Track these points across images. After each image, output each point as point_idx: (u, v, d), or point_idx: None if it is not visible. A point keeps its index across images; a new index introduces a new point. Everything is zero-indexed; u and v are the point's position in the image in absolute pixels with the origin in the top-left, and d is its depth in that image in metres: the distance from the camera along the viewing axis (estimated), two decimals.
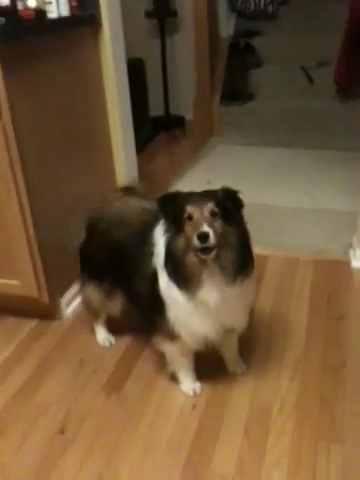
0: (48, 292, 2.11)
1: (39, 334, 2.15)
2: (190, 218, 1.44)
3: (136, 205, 1.84)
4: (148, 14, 4.70)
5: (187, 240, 1.45)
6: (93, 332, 2.13)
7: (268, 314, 2.20)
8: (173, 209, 1.48)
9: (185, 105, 4.94)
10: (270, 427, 1.65)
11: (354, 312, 2.17)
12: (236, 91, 4.63)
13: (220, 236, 1.44)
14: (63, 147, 2.18)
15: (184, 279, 1.49)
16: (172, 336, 1.64)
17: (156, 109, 4.96)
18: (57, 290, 2.19)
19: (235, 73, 4.65)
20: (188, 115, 4.90)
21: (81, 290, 2.05)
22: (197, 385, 1.82)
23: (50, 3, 2.10)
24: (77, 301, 2.31)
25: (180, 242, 1.47)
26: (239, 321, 1.66)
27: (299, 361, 1.93)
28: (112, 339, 2.09)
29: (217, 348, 1.79)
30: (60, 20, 2.14)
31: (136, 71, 4.78)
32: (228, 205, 1.47)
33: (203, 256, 1.44)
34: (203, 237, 1.39)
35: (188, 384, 1.81)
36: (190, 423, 1.69)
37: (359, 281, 2.40)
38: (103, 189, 2.38)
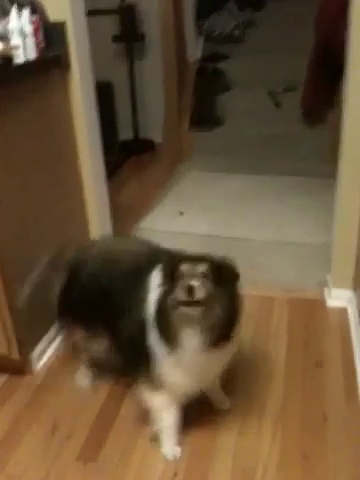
0: (18, 347, 2.03)
1: (9, 392, 2.05)
2: (182, 276, 1.48)
3: (127, 246, 1.86)
4: (115, 38, 4.66)
5: (175, 296, 1.47)
6: (65, 383, 2.07)
7: (247, 359, 2.16)
8: (171, 267, 1.52)
9: (154, 128, 4.91)
10: None
11: (331, 358, 2.15)
12: (204, 116, 4.63)
13: (208, 298, 1.46)
14: (31, 195, 2.10)
15: (167, 334, 1.51)
16: (156, 386, 1.63)
17: (125, 133, 4.91)
18: (28, 344, 2.11)
19: (203, 98, 4.65)
20: (158, 138, 4.86)
21: (63, 331, 2.06)
22: (177, 450, 1.77)
23: (17, 48, 2.03)
24: (49, 353, 2.24)
25: (171, 296, 1.49)
26: (217, 375, 1.75)
27: (279, 415, 1.90)
28: (90, 380, 2.06)
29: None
30: (28, 65, 2.06)
31: (104, 95, 4.71)
32: (223, 271, 1.51)
33: (187, 309, 1.46)
34: (189, 289, 1.43)
35: (169, 447, 1.76)
36: None
37: (335, 322, 2.39)
38: (76, 239, 2.32)
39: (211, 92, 4.61)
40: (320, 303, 2.52)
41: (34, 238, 2.13)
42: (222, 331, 1.51)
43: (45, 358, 2.22)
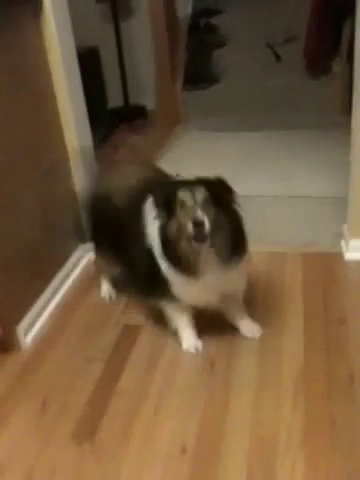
0: (1, 324, 1.79)
1: None
2: (182, 205, 1.47)
3: (131, 175, 1.85)
4: None
5: (180, 227, 1.48)
6: (56, 357, 1.85)
7: (259, 320, 1.91)
8: (164, 195, 1.51)
9: (146, 94, 4.59)
10: (277, 469, 1.36)
11: (354, 314, 1.90)
12: (199, 74, 4.33)
13: (213, 222, 1.45)
14: (7, 141, 1.84)
15: (183, 267, 1.53)
16: (172, 299, 1.68)
17: (115, 100, 4.62)
18: (11, 318, 1.86)
19: (197, 55, 4.35)
20: (150, 104, 4.56)
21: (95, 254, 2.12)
22: (199, 343, 1.79)
23: None
24: (38, 326, 1.99)
25: (172, 229, 1.50)
26: (237, 289, 1.75)
27: (301, 377, 1.65)
28: (113, 293, 2.13)
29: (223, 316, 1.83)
30: None
31: (90, 61, 4.42)
32: (220, 191, 1.51)
33: (196, 245, 1.47)
34: (198, 224, 1.42)
35: (189, 341, 1.78)
36: (180, 472, 1.39)
37: (355, 275, 2.14)
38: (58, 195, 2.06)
39: (205, 48, 4.31)
40: (337, 256, 2.26)
41: (14, 196, 1.88)
42: (233, 248, 1.54)
43: (33, 332, 1.97)
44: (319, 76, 4.06)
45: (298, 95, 4.04)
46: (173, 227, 1.50)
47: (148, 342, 1.87)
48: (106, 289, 2.15)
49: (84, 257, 2.38)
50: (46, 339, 1.95)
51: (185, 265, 1.53)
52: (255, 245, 2.36)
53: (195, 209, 1.44)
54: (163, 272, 1.60)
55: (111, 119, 4.48)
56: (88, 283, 2.26)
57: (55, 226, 2.14)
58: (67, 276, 2.24)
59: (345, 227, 2.30)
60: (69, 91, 2.18)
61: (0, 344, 1.86)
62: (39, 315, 2.02)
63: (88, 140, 2.39)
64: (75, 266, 2.31)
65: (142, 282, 1.77)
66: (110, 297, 2.13)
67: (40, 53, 2.07)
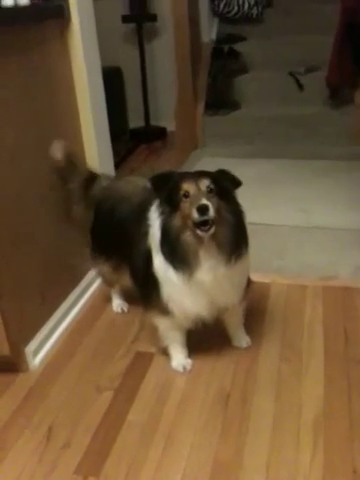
0: (9, 342, 1.73)
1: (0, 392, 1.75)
2: (186, 195, 1.45)
3: (138, 183, 1.83)
4: (125, 18, 4.38)
5: (184, 218, 1.46)
6: (65, 382, 1.78)
7: (277, 355, 1.83)
8: (167, 188, 1.49)
9: (166, 116, 4.61)
10: None
11: None
12: (220, 100, 4.32)
13: (216, 213, 1.44)
14: (26, 164, 1.80)
15: (181, 259, 1.49)
16: (165, 312, 1.64)
17: (135, 120, 4.62)
18: (21, 339, 1.80)
19: (219, 80, 4.33)
20: (170, 126, 4.56)
21: (93, 264, 2.06)
22: (188, 361, 1.78)
23: None
24: (47, 347, 1.92)
25: (176, 221, 1.47)
26: (232, 300, 1.65)
27: (321, 421, 1.56)
28: (125, 307, 2.12)
29: (220, 323, 1.81)
30: (17, 10, 1.76)
31: (114, 80, 4.44)
32: (223, 184, 1.49)
33: (202, 232, 1.44)
34: (203, 209, 1.40)
35: (179, 359, 1.77)
36: None
37: None
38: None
39: (227, 74, 4.30)
40: (358, 290, 2.18)
41: (29, 216, 1.83)
42: (235, 242, 1.51)
43: (42, 353, 1.91)
44: (341, 106, 4.03)
45: (319, 124, 4.00)
46: (176, 219, 1.47)
47: (160, 371, 1.80)
48: (118, 303, 2.13)
49: (97, 279, 2.32)
50: (55, 362, 1.88)
51: (184, 258, 1.49)
52: (273, 276, 2.33)
53: (199, 197, 1.42)
54: (156, 274, 1.58)
55: (131, 139, 4.48)
56: (100, 305, 2.20)
57: (69, 247, 2.08)
58: (79, 297, 2.18)
59: None
60: (93, 112, 2.14)
61: (8, 364, 1.80)
62: (49, 336, 1.95)
63: (110, 163, 2.35)
64: (87, 288, 2.25)
65: (139, 287, 1.77)
66: (122, 310, 2.12)
67: (65, 72, 2.04)
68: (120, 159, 3.91)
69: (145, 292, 1.70)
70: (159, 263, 1.56)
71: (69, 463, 1.46)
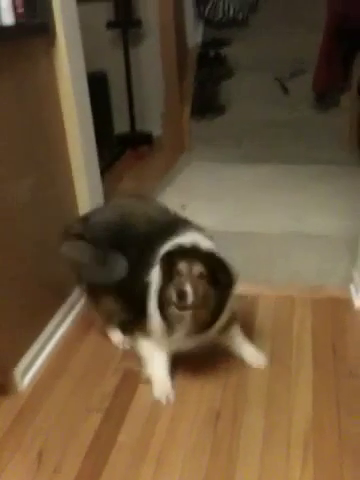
0: None
1: None
2: (179, 273, 1.57)
3: (142, 210, 1.89)
4: (110, 24, 4.34)
5: (170, 293, 1.57)
6: (54, 403, 1.77)
7: (267, 371, 1.84)
8: (169, 262, 1.60)
9: (152, 120, 4.59)
10: None
11: None
12: (207, 104, 4.32)
13: (201, 298, 1.56)
14: (13, 178, 1.78)
15: (163, 316, 1.63)
16: (149, 334, 1.75)
17: (121, 126, 4.60)
18: (9, 359, 1.79)
19: (205, 85, 4.34)
20: (156, 131, 4.55)
21: (95, 304, 2.03)
22: (172, 392, 1.75)
23: None
24: (36, 368, 1.91)
25: (166, 291, 1.60)
26: (209, 338, 1.73)
27: (310, 436, 1.57)
28: (127, 344, 2.02)
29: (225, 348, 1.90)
30: (2, 29, 1.74)
31: (98, 85, 4.42)
32: (219, 276, 1.59)
33: (178, 311, 1.57)
34: (181, 295, 1.52)
35: (162, 388, 1.75)
36: None
37: None
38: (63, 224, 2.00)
39: (213, 79, 4.30)
40: (347, 303, 2.20)
41: (17, 228, 1.82)
42: (212, 321, 1.63)
43: (30, 374, 1.89)
44: (328, 109, 4.04)
45: (305, 128, 4.02)
46: (167, 291, 1.59)
47: (149, 390, 1.79)
48: (118, 337, 2.04)
49: (81, 299, 2.30)
50: (44, 383, 1.87)
51: (166, 323, 1.64)
52: (261, 288, 2.33)
53: (185, 282, 1.53)
54: (148, 307, 1.70)
55: (117, 145, 4.46)
56: (87, 324, 2.17)
57: (53, 266, 2.06)
58: (65, 317, 2.15)
59: (356, 273, 2.24)
60: (79, 122, 2.13)
61: None
62: (37, 357, 1.93)
63: (96, 173, 2.34)
64: (73, 306, 2.23)
65: (130, 309, 1.84)
66: (124, 347, 2.02)
67: (52, 85, 2.03)
68: (106, 165, 3.89)
69: (135, 315, 1.78)
70: (152, 304, 1.67)
71: None
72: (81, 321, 2.20)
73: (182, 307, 1.55)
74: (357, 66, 3.86)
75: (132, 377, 1.85)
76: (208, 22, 4.63)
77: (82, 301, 2.29)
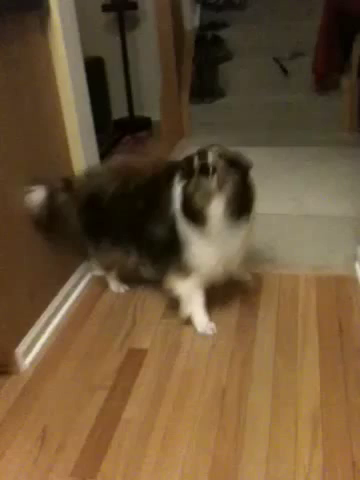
0: None
1: None
2: (199, 164, 1.66)
3: (138, 164, 1.98)
4: (105, 7, 4.28)
5: (195, 184, 1.66)
6: (57, 382, 1.74)
7: (272, 347, 1.82)
8: (187, 159, 1.69)
9: (150, 105, 4.54)
10: None
11: None
12: (205, 87, 4.27)
13: (221, 171, 1.64)
14: (10, 160, 1.74)
15: (194, 217, 1.69)
16: (188, 272, 1.81)
17: (119, 111, 4.55)
18: (10, 339, 1.76)
19: (203, 68, 4.28)
20: (154, 116, 4.49)
21: (99, 258, 2.11)
22: (212, 324, 1.91)
23: None
24: (38, 348, 1.88)
25: (191, 184, 1.68)
26: (240, 258, 1.86)
27: (318, 413, 1.55)
28: (125, 287, 2.20)
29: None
30: None
31: (95, 71, 4.35)
32: (234, 161, 1.68)
33: (204, 180, 1.64)
34: (203, 155, 1.63)
35: (204, 323, 1.90)
36: None
37: None
38: None
39: (211, 62, 4.24)
40: (352, 280, 2.17)
41: (14, 213, 1.78)
42: (239, 203, 1.69)
43: (33, 354, 1.87)
44: (328, 91, 4.00)
45: (305, 111, 3.98)
46: (192, 183, 1.67)
47: (154, 368, 1.77)
48: (117, 284, 2.21)
49: (86, 275, 2.28)
50: (46, 362, 1.84)
51: (198, 215, 1.68)
52: (265, 266, 2.31)
53: (205, 154, 1.64)
54: (180, 235, 1.75)
55: (115, 130, 4.41)
56: (91, 302, 2.15)
57: (54, 243, 2.03)
58: (69, 294, 2.14)
59: (359, 250, 2.21)
60: (76, 104, 2.08)
61: None
62: (39, 336, 1.91)
63: (95, 155, 2.30)
64: (77, 285, 2.21)
65: (162, 254, 1.86)
66: (124, 290, 2.20)
67: (47, 64, 1.98)
68: (105, 150, 3.84)
69: (168, 256, 1.82)
70: (183, 224, 1.74)
71: (65, 465, 1.43)
72: (85, 299, 2.18)
73: (205, 169, 1.62)
74: (356, 48, 3.81)
75: (136, 355, 1.82)
76: (205, 5, 4.57)
77: (86, 280, 2.26)
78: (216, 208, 1.68)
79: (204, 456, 1.43)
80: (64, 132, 2.11)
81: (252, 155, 3.33)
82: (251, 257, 2.19)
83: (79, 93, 2.12)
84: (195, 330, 1.92)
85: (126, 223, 1.89)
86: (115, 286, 2.21)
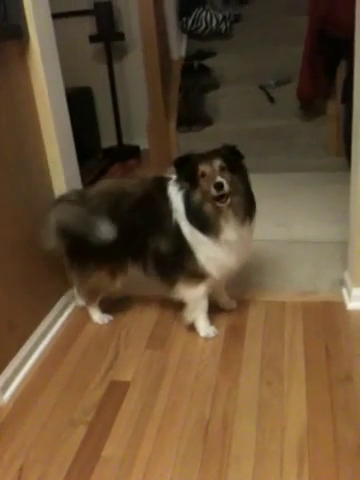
0: None
1: None
2: (203, 175, 1.72)
3: (126, 184, 2.02)
4: (93, 38, 4.34)
5: (203, 193, 1.73)
6: (37, 417, 1.69)
7: (258, 377, 1.77)
8: (188, 169, 1.74)
9: (139, 133, 4.57)
10: None
11: None
12: (193, 116, 4.29)
13: (230, 185, 1.70)
14: None
15: (206, 226, 1.76)
16: (199, 278, 1.88)
17: (108, 139, 4.58)
18: None
19: (190, 97, 4.31)
20: (143, 144, 4.52)
21: (83, 281, 2.07)
22: (213, 328, 2.02)
23: None
24: (17, 381, 1.83)
25: (197, 196, 1.74)
26: (249, 254, 1.96)
27: (304, 444, 1.50)
28: (109, 317, 2.17)
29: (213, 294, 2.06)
30: None
31: (84, 100, 4.41)
32: (231, 158, 1.74)
33: (220, 204, 1.71)
34: (218, 186, 1.67)
35: (207, 328, 2.01)
36: None
37: (359, 326, 2.01)
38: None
39: (198, 90, 4.28)
40: (338, 306, 2.13)
41: None
42: (247, 207, 1.81)
43: (12, 387, 1.81)
44: (313, 117, 4.03)
45: (292, 137, 4.00)
46: (196, 195, 1.74)
47: (136, 401, 1.72)
48: (100, 315, 2.17)
49: (69, 306, 2.24)
50: (26, 396, 1.79)
51: (209, 225, 1.76)
52: (252, 293, 2.28)
53: (215, 176, 1.68)
54: (189, 242, 1.81)
55: (104, 159, 4.42)
56: (74, 333, 2.11)
57: (39, 272, 2.00)
58: (51, 326, 2.09)
59: (346, 275, 2.19)
60: (57, 131, 2.07)
61: None
62: (19, 370, 1.86)
63: (77, 182, 2.28)
64: (59, 316, 2.17)
65: (170, 266, 1.89)
66: (109, 320, 2.17)
67: (27, 92, 1.98)
68: (94, 178, 3.84)
69: (177, 265, 1.87)
70: (190, 231, 1.80)
71: None
72: (67, 330, 2.14)
73: (221, 197, 1.68)
74: (340, 73, 3.86)
75: (118, 388, 1.77)
76: (192, 35, 4.64)
77: (68, 311, 2.22)
78: (228, 221, 1.76)
79: None
80: (45, 158, 2.10)
81: None
82: (238, 283, 2.17)
83: (60, 119, 2.11)
84: (180, 359, 1.88)
85: (123, 242, 1.89)
86: (98, 317, 2.17)
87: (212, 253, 1.82)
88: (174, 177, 1.83)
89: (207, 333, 2.00)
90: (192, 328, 2.02)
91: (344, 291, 2.18)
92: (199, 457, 1.48)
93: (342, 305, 2.13)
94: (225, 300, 2.16)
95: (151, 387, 1.76)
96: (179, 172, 1.79)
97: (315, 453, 1.46)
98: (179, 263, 1.87)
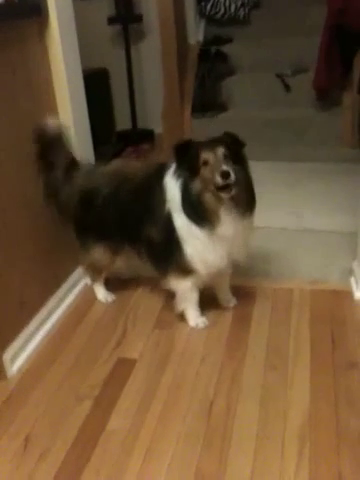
0: None
1: None
2: (206, 163, 1.63)
3: (131, 165, 2.06)
4: (111, 20, 4.32)
5: (204, 182, 1.66)
6: (44, 390, 1.72)
7: (263, 362, 1.79)
8: (188, 156, 1.65)
9: (154, 118, 4.55)
10: None
11: None
12: (208, 102, 4.27)
13: (235, 176, 1.62)
14: (5, 165, 1.74)
15: (203, 217, 1.69)
16: (187, 271, 1.82)
17: (123, 123, 4.57)
18: None
19: (206, 82, 4.29)
20: (157, 128, 4.51)
21: (85, 254, 2.07)
22: (203, 319, 1.98)
23: None
24: (26, 354, 1.86)
25: (196, 185, 1.66)
26: (244, 252, 1.85)
27: (306, 429, 1.51)
28: (111, 297, 2.18)
29: (213, 287, 2.04)
30: None
31: (100, 82, 4.39)
32: (233, 147, 1.67)
33: (224, 195, 1.65)
34: (225, 174, 1.59)
35: (196, 319, 1.97)
36: None
37: None
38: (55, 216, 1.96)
39: (214, 76, 4.25)
40: (346, 295, 2.14)
41: (7, 217, 1.77)
42: (248, 199, 1.73)
43: (21, 360, 1.85)
44: (329, 107, 4.00)
45: (307, 126, 3.98)
46: (196, 184, 1.66)
47: (142, 379, 1.75)
48: (104, 294, 2.18)
49: (79, 283, 2.26)
50: (34, 369, 1.82)
51: (207, 216, 1.68)
52: (260, 280, 2.29)
53: (220, 164, 1.60)
54: (179, 235, 1.75)
55: (118, 142, 4.42)
56: (83, 309, 2.14)
57: (49, 248, 2.03)
58: (61, 301, 2.12)
59: (355, 264, 2.19)
60: (73, 113, 2.09)
61: None
62: (28, 342, 1.89)
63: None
64: (69, 292, 2.19)
65: (161, 254, 1.86)
66: (112, 300, 2.17)
67: (45, 71, 1.99)
68: (107, 161, 3.85)
69: (166, 256, 1.82)
70: (182, 223, 1.73)
71: (46, 473, 1.41)
72: (77, 307, 2.17)
73: (227, 186, 1.61)
74: (357, 64, 3.83)
75: (125, 365, 1.80)
76: (210, 20, 4.60)
77: (79, 286, 2.25)
78: (230, 211, 1.69)
79: (188, 470, 1.40)
80: None
81: (252, 169, 3.34)
82: (246, 270, 2.18)
83: (77, 100, 2.12)
84: (186, 341, 1.90)
85: (121, 225, 1.90)
86: (102, 295, 2.19)
87: (201, 248, 1.75)
88: (174, 165, 1.75)
89: (196, 323, 1.97)
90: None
91: (352, 281, 2.19)
92: (202, 435, 1.51)
93: (350, 294, 2.14)
94: (224, 296, 2.09)
95: (157, 365, 1.79)
96: (178, 159, 1.70)
97: (316, 438, 1.48)
98: (168, 254, 1.82)
